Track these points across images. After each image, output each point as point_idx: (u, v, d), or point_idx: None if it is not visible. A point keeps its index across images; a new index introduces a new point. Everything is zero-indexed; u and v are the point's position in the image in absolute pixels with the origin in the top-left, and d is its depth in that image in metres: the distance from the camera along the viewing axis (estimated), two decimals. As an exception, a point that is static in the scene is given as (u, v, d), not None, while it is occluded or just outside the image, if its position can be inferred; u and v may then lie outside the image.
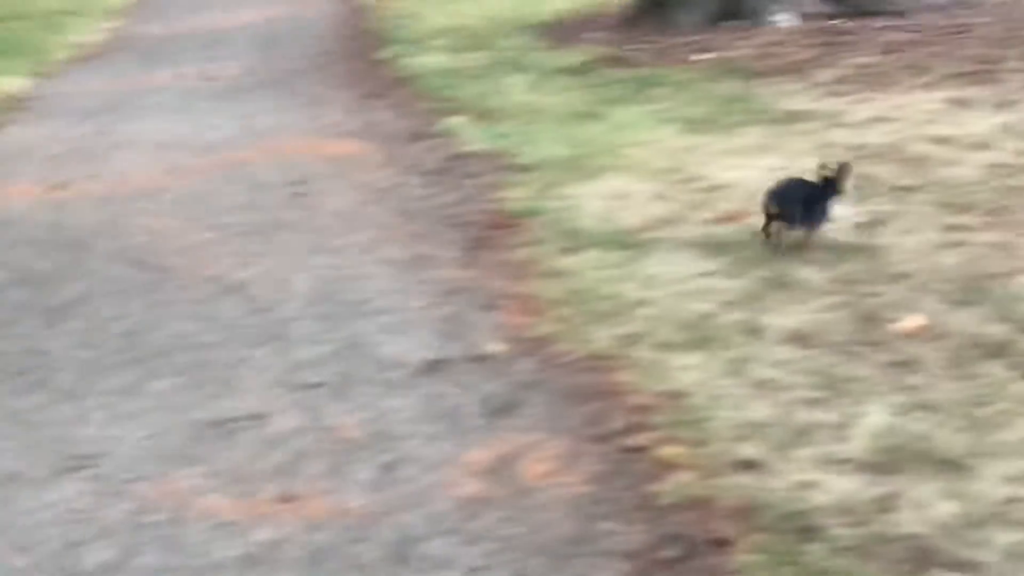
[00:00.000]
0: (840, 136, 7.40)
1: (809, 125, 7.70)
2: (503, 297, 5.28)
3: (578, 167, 7.12)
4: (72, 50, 13.40)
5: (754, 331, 4.68)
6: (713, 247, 5.60)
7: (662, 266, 5.45)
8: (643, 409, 4.12)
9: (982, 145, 6.98)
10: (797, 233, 5.49)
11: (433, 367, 4.59)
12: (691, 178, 6.77)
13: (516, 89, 9.37)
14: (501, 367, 4.57)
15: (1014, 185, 6.27)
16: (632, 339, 4.69)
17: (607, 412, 4.12)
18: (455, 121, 8.50)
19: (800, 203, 5.47)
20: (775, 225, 5.51)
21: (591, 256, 5.65)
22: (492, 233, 6.15)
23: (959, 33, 9.87)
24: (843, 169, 5.52)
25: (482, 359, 4.65)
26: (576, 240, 5.87)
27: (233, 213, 6.82)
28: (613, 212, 6.29)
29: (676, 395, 4.20)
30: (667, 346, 4.61)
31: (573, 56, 10.42)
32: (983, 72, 8.63)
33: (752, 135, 7.58)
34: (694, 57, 9.83)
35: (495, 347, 4.75)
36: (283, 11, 15.40)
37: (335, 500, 3.70)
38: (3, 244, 6.59)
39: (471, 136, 8.08)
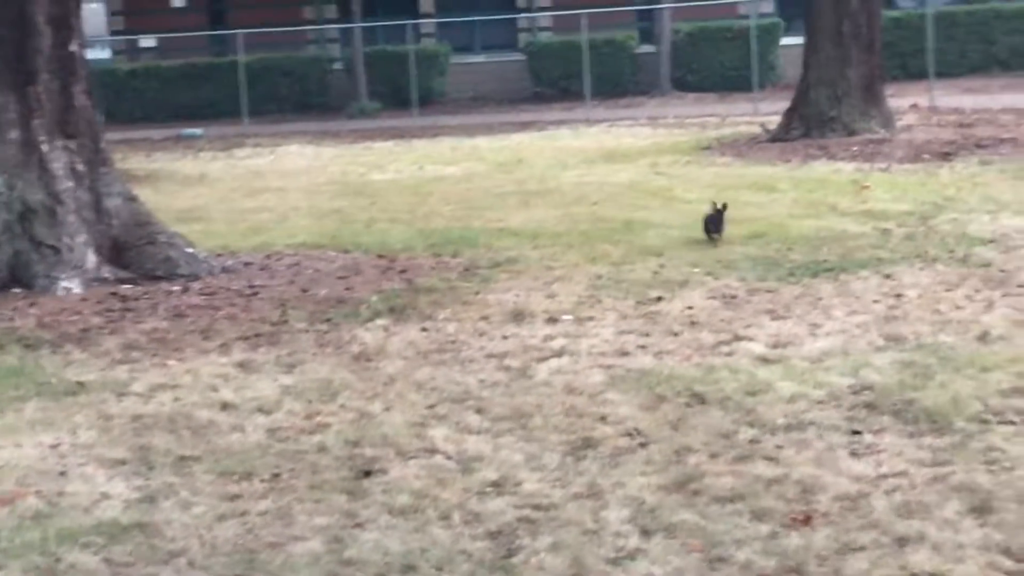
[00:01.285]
0: (124, 406, 7.14)
1: (93, 396, 7.37)
2: None
3: None
4: None
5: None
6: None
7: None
8: None
9: (265, 409, 6.95)
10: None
11: None
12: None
13: None
14: None
15: (294, 449, 6.24)
16: None
17: None
18: None
19: None
20: None
21: None
22: None
23: (250, 295, 9.97)
24: None
25: None
26: None
27: None
28: None
29: None
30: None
31: None
32: (271, 334, 8.70)
33: (29, 410, 7.12)
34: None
35: None
36: None
37: None
38: None
39: None
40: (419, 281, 10.27)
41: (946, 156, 16.58)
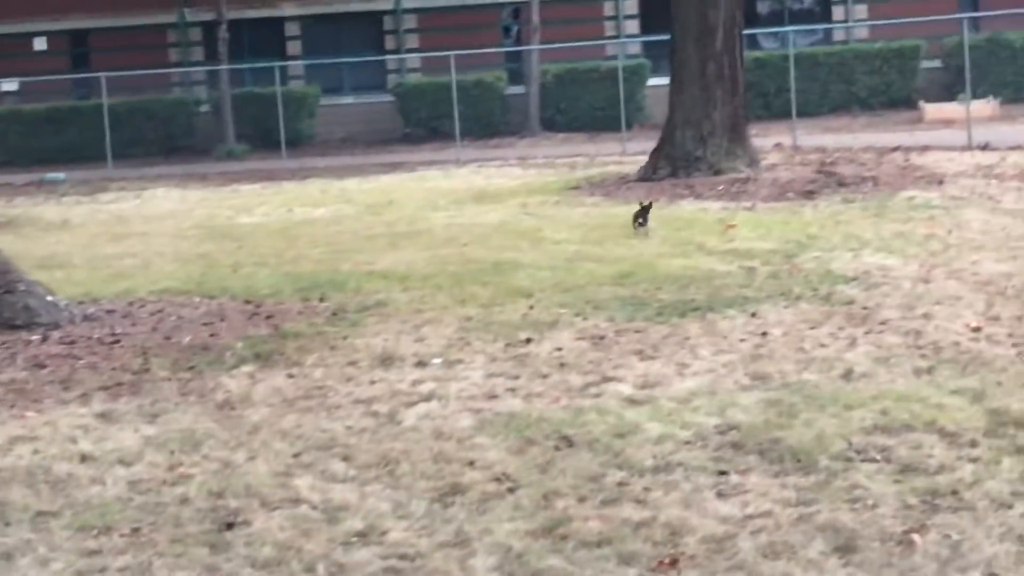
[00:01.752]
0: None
1: (-53, 451, 7.11)
2: None
3: None
4: None
5: None
6: None
7: None
8: None
9: (126, 461, 6.78)
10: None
11: None
12: None
13: None
14: None
15: (155, 502, 6.09)
16: None
17: None
18: None
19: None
20: None
21: None
22: None
23: (111, 344, 9.75)
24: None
25: None
26: None
27: None
28: None
29: None
30: None
31: None
32: (132, 383, 8.52)
33: None
34: None
35: None
36: None
37: None
38: None
39: None
40: (286, 326, 10.14)
41: (809, 195, 16.86)
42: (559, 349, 8.94)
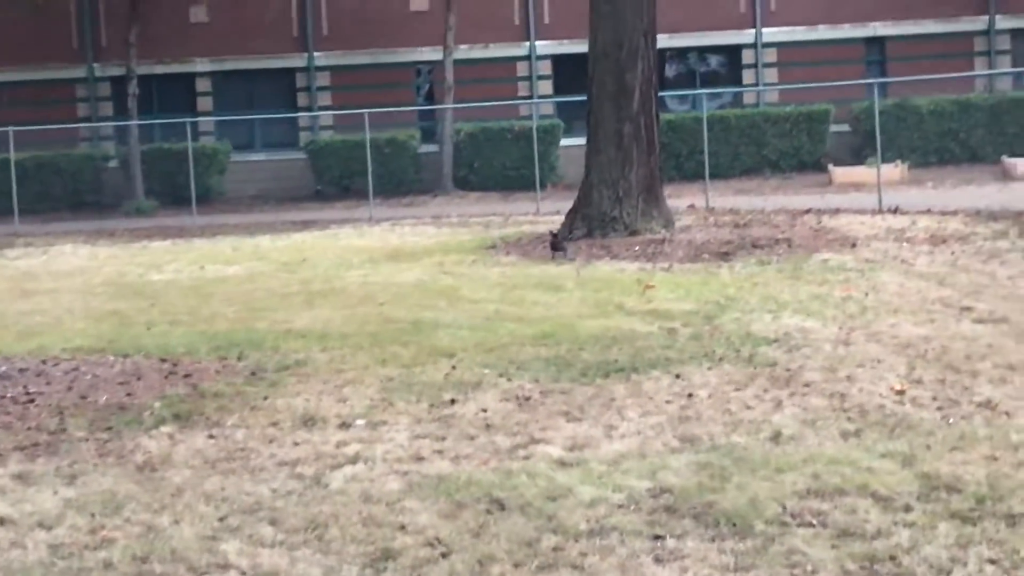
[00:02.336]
0: None
1: None
2: None
3: None
4: None
5: None
6: None
7: None
8: None
9: (46, 524, 6.59)
10: None
11: None
12: None
13: None
14: None
15: (78, 567, 5.92)
16: None
17: None
18: None
19: None
20: None
21: None
22: None
23: (25, 403, 9.52)
24: None
25: None
26: None
27: None
28: None
29: None
30: None
31: None
32: (49, 444, 8.31)
33: None
34: None
35: None
36: None
37: None
38: None
39: None
40: (204, 386, 9.97)
41: (725, 256, 16.98)
42: (484, 410, 8.86)
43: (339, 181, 33.97)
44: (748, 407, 8.61)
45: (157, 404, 9.36)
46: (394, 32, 35.31)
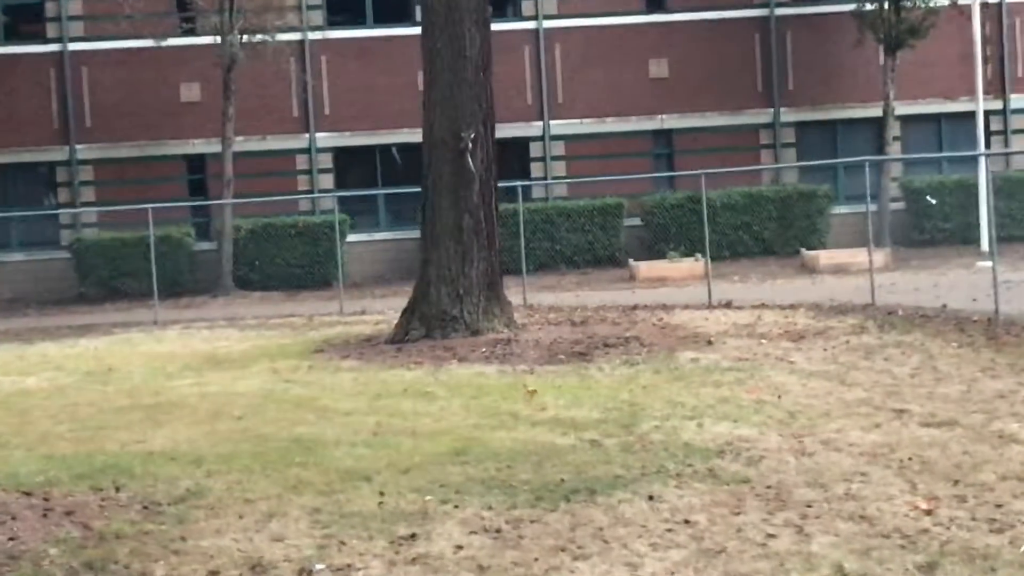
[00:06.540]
0: None
1: None
2: None
3: None
4: None
5: None
6: None
7: None
8: None
9: None
10: None
11: None
12: None
13: None
14: None
15: None
16: None
17: None
18: None
19: None
20: None
21: None
22: None
23: None
24: None
25: None
26: None
27: None
28: None
29: None
30: None
31: None
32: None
33: None
34: None
35: None
36: None
37: None
38: None
39: None
40: (97, 525, 8.38)
41: (582, 356, 16.00)
42: (460, 547, 7.59)
43: (107, 282, 31.88)
44: (771, 535, 7.57)
45: (53, 551, 7.74)
46: (164, 123, 33.53)
